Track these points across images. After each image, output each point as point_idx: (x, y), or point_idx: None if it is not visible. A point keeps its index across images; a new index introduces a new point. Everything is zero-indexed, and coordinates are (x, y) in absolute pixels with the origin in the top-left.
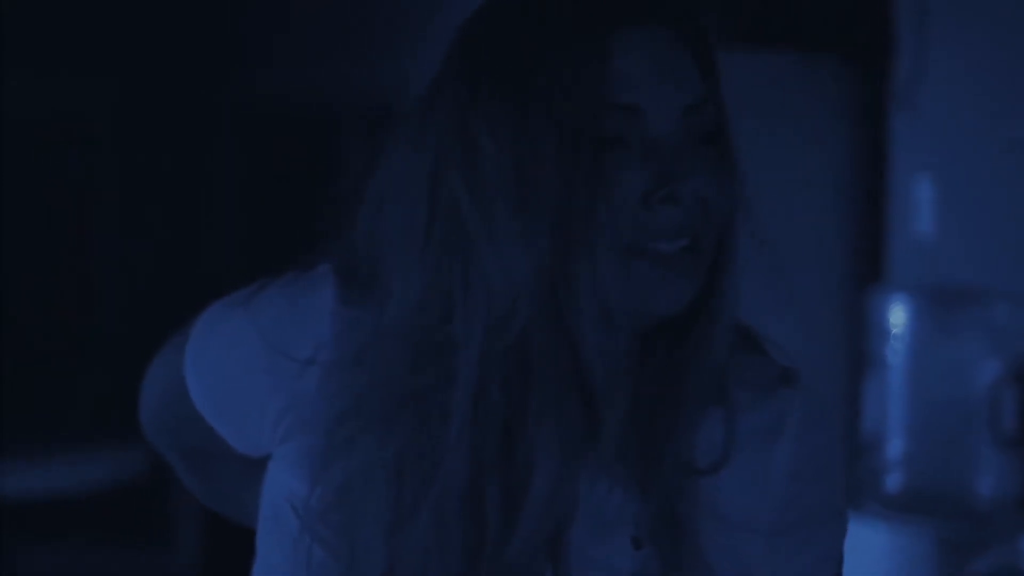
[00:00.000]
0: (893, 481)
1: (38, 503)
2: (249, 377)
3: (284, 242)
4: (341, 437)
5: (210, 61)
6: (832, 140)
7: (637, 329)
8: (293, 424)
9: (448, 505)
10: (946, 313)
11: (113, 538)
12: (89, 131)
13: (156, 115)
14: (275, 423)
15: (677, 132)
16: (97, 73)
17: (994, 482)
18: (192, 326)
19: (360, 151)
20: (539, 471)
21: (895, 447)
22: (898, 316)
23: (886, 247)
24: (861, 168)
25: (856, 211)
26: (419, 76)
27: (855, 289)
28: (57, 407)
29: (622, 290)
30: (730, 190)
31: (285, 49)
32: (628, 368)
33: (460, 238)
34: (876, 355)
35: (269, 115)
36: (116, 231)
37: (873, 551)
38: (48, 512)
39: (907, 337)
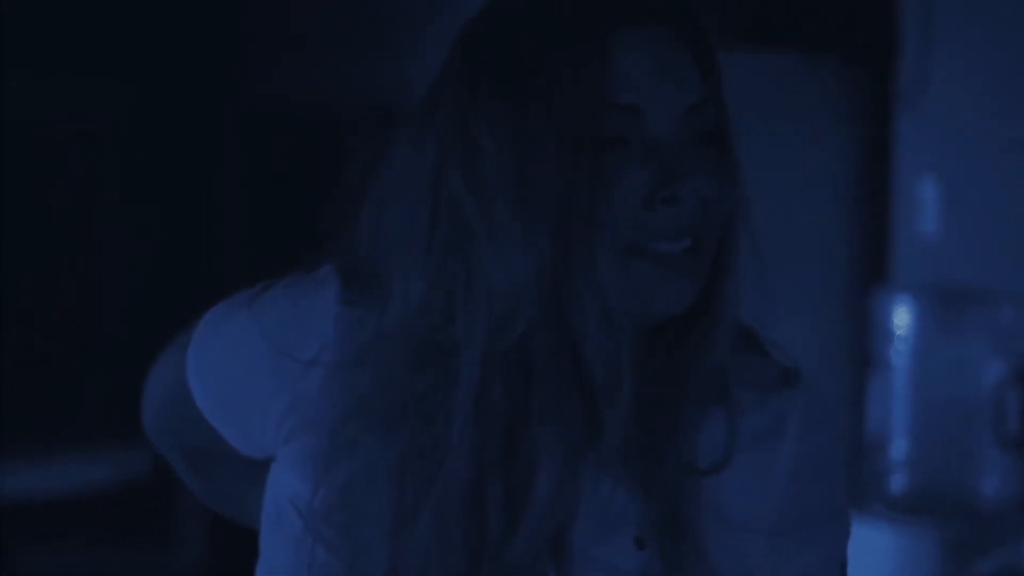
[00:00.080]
0: (897, 482)
1: (40, 503)
2: (252, 378)
3: (286, 243)
4: (344, 438)
5: (211, 61)
6: (835, 141)
7: (638, 329)
8: (296, 425)
9: (450, 505)
10: (950, 314)
11: (115, 539)
12: (90, 131)
13: (157, 115)
14: (278, 424)
15: (677, 132)
16: (98, 73)
17: (998, 483)
18: (195, 327)
19: (361, 152)
20: (541, 471)
21: (899, 448)
22: (902, 317)
23: (890, 248)
24: (865, 169)
25: (860, 212)
26: (420, 77)
27: (859, 290)
28: (59, 407)
29: (623, 290)
30: (731, 190)
31: (286, 50)
32: (630, 368)
33: (462, 238)
34: (880, 356)
35: (270, 116)
36: (117, 231)
37: (877, 552)
38: (50, 512)
39: (911, 338)
